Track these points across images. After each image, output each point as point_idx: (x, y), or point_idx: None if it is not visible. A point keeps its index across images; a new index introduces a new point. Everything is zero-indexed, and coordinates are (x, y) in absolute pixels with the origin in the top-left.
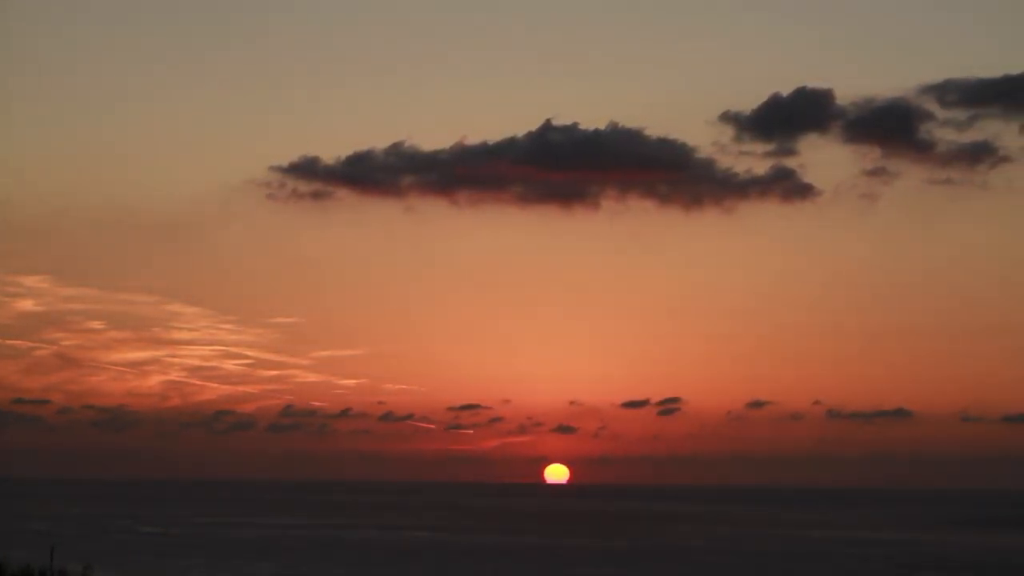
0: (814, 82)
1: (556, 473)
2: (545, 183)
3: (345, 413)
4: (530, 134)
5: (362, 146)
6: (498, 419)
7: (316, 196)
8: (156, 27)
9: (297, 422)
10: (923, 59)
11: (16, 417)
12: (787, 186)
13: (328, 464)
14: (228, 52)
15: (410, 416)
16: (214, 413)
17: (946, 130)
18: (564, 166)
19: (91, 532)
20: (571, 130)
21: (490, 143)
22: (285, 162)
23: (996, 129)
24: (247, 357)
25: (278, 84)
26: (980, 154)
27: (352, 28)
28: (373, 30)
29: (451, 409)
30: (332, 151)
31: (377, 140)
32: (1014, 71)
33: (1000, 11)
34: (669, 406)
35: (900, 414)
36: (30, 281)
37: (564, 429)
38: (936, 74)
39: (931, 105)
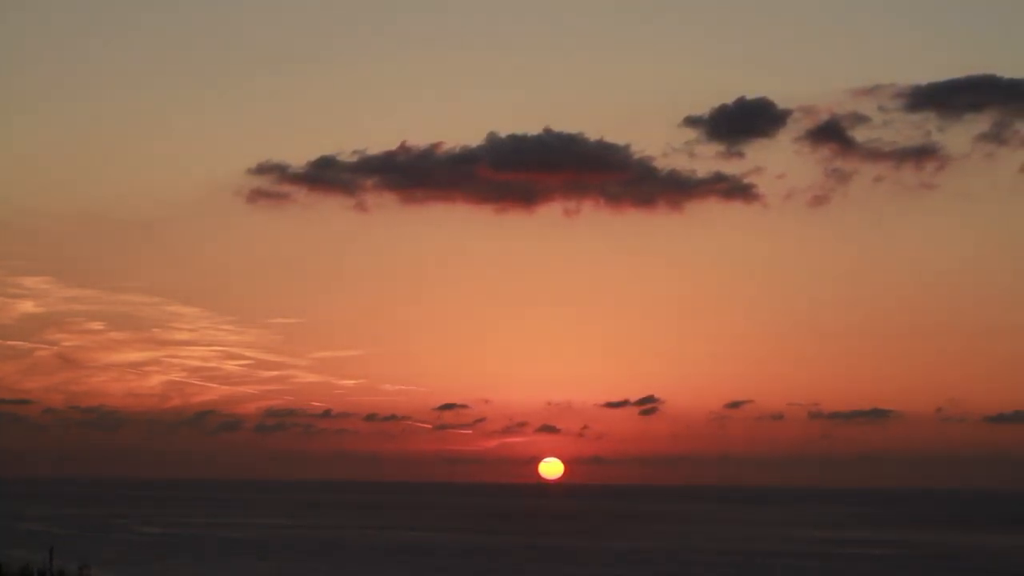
0: (766, 89)
1: (552, 469)
2: (515, 186)
3: (328, 414)
4: (501, 139)
5: (343, 150)
6: (481, 419)
7: (307, 199)
8: (151, 37)
9: (280, 422)
10: (864, 65)
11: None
12: (749, 188)
13: (315, 464)
14: (222, 59)
15: (392, 417)
16: (196, 414)
17: (891, 133)
18: (536, 169)
19: (87, 532)
20: (551, 134)
21: (466, 148)
22: (267, 164)
23: (940, 132)
24: (246, 358)
25: (265, 88)
26: (927, 156)
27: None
28: (338, 49)
29: (434, 409)
30: (308, 154)
31: (353, 144)
32: (941, 77)
33: (933, 18)
34: (648, 406)
35: (879, 414)
36: (31, 282)
37: (548, 429)
38: (877, 79)
39: (875, 109)
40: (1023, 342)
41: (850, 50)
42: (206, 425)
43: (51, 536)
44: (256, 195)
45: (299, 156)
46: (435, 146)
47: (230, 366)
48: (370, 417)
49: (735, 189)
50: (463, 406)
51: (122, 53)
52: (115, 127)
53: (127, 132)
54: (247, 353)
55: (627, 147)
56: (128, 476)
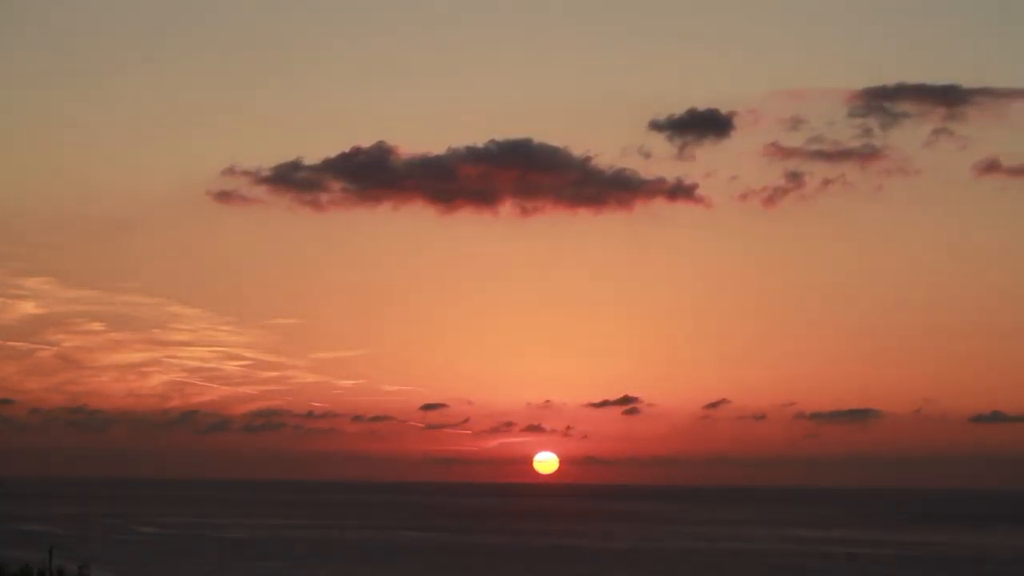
0: (717, 95)
1: (547, 466)
2: (485, 189)
3: (311, 414)
4: (473, 145)
5: (340, 149)
6: (467, 419)
7: (303, 200)
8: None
9: (267, 422)
10: (815, 69)
11: None
12: (715, 190)
13: (303, 465)
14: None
15: (376, 418)
16: (183, 414)
17: (845, 136)
18: (516, 171)
19: (85, 532)
20: (525, 140)
21: (440, 152)
22: (252, 167)
23: (889, 134)
24: (245, 358)
25: (244, 90)
26: (883, 158)
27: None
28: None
29: (418, 409)
30: (289, 157)
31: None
32: (882, 82)
33: (883, 21)
34: (629, 406)
35: (858, 414)
36: (32, 283)
37: (534, 428)
38: (825, 83)
39: (826, 113)
40: (1000, 343)
41: (798, 54)
42: (195, 425)
43: (48, 536)
44: (247, 197)
45: (278, 158)
46: (409, 151)
47: (230, 367)
48: (357, 418)
49: (700, 192)
50: (444, 405)
51: (115, 54)
52: (100, 130)
53: (113, 135)
54: (246, 354)
55: (592, 153)
56: (114, 476)
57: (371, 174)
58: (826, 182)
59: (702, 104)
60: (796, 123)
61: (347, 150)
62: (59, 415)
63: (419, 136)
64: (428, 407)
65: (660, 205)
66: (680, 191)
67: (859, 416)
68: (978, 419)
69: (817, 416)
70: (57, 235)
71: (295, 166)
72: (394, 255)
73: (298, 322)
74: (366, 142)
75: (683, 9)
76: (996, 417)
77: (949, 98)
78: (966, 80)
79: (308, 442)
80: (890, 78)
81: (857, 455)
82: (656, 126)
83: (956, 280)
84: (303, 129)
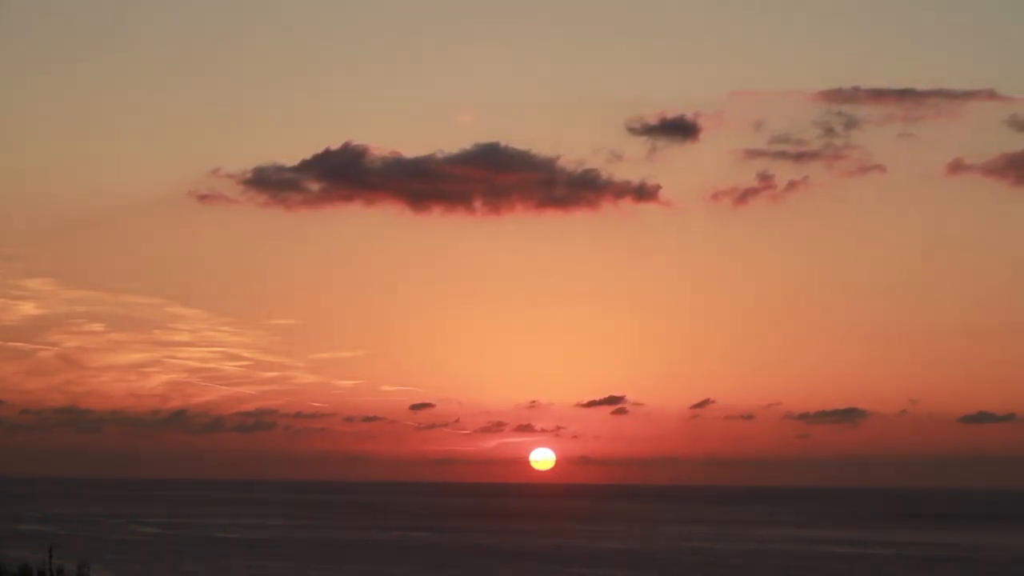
0: (689, 96)
1: (543, 464)
2: (460, 191)
3: (299, 414)
4: (463, 147)
5: (326, 150)
6: (456, 420)
7: (298, 201)
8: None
9: (258, 421)
10: (782, 70)
11: None
12: (677, 192)
13: (294, 465)
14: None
15: (369, 418)
16: (172, 414)
17: (807, 136)
18: (508, 174)
19: (85, 532)
20: (495, 143)
21: (428, 154)
22: (247, 168)
23: (853, 134)
24: (245, 359)
25: (255, 89)
26: (841, 156)
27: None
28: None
29: (408, 409)
30: (296, 155)
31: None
32: (834, 85)
33: (843, 23)
34: (617, 406)
35: (850, 414)
36: (33, 284)
37: (525, 428)
38: (788, 85)
39: (791, 115)
40: (988, 343)
41: (767, 56)
42: (187, 425)
43: (48, 536)
44: (243, 199)
45: (265, 159)
46: (397, 153)
47: (229, 367)
48: (348, 419)
49: (674, 193)
50: (432, 405)
51: (115, 56)
52: (98, 132)
53: (110, 137)
54: (245, 354)
55: (560, 155)
56: (107, 476)
57: (355, 175)
58: (794, 183)
59: (668, 106)
60: (760, 125)
61: (329, 150)
62: (49, 415)
63: (402, 137)
64: (417, 407)
65: (631, 206)
66: (646, 193)
67: (846, 416)
68: (965, 419)
69: (804, 416)
70: (57, 236)
71: (281, 168)
72: (391, 255)
73: (297, 323)
74: (349, 143)
75: (648, 13)
76: (983, 417)
77: (906, 100)
78: (921, 83)
79: (300, 442)
80: (847, 81)
81: (844, 455)
82: (629, 129)
83: (941, 280)
84: (289, 130)
